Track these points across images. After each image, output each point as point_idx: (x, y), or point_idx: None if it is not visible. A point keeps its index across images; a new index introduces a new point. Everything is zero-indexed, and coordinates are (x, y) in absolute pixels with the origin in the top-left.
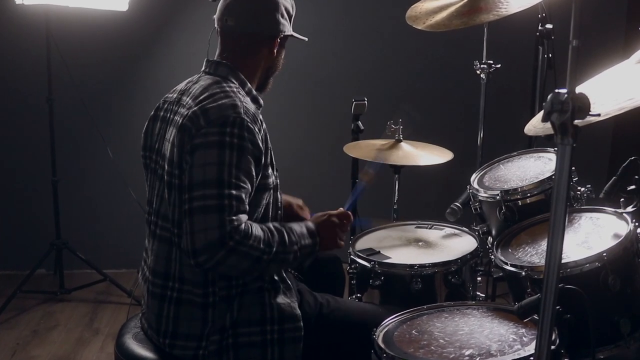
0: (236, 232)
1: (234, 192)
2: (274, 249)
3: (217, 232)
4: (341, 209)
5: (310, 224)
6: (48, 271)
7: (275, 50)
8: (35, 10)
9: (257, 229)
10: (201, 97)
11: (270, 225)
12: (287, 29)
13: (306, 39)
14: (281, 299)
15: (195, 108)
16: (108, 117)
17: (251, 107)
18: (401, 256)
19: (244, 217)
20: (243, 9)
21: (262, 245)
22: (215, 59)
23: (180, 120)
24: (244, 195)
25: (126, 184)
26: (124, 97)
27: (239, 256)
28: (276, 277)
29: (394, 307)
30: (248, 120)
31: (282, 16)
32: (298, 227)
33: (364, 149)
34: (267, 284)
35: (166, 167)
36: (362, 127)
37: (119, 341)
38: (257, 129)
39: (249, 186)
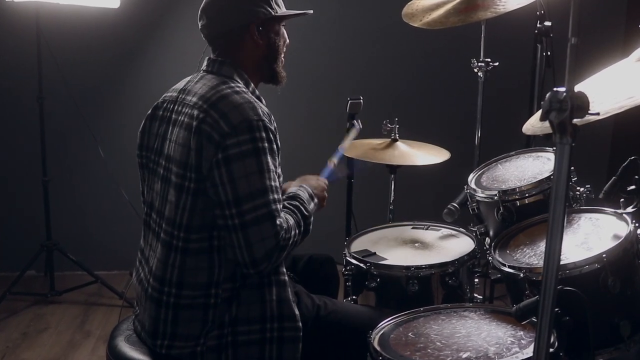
0: (285, 232)
1: (277, 195)
2: (302, 227)
3: (273, 239)
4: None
5: (308, 188)
6: (38, 273)
7: (258, 38)
8: (26, 8)
9: (289, 218)
10: (213, 98)
11: (287, 204)
12: (267, 11)
13: (296, 12)
14: (281, 295)
15: (211, 110)
16: (99, 116)
17: (264, 107)
18: (397, 257)
19: (283, 214)
20: (212, 7)
21: (296, 230)
22: (216, 57)
23: (190, 122)
24: (280, 194)
25: (118, 184)
26: (115, 95)
27: (287, 249)
28: (276, 272)
29: (390, 310)
30: (268, 121)
31: (255, 2)
32: (303, 194)
33: (359, 149)
34: (265, 278)
35: (174, 168)
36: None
37: (110, 344)
38: (275, 129)
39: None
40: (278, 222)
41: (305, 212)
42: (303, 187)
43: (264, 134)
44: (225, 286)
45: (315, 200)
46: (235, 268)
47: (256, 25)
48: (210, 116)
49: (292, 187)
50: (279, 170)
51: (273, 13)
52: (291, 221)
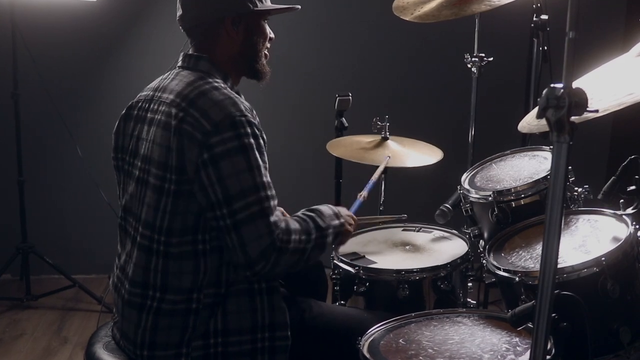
0: (282, 232)
1: (269, 192)
2: (313, 236)
3: (268, 237)
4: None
5: (334, 207)
6: (14, 276)
7: (233, 33)
8: (0, 1)
9: (292, 222)
10: (191, 95)
11: (300, 214)
12: (245, 6)
13: (281, 6)
14: (273, 303)
15: (190, 108)
16: (77, 114)
17: (245, 101)
18: (387, 261)
19: (279, 213)
20: None
21: (303, 236)
22: (192, 52)
23: (169, 120)
24: (273, 191)
25: (97, 184)
26: (94, 92)
27: (288, 253)
28: (267, 278)
29: (380, 312)
30: (251, 116)
31: None
32: (325, 208)
33: (348, 147)
34: (255, 284)
35: (152, 170)
36: (346, 124)
37: (88, 351)
38: (259, 123)
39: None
40: (272, 220)
41: (321, 224)
42: (330, 206)
43: (248, 130)
44: (208, 291)
45: (341, 220)
46: (219, 274)
47: (232, 19)
48: (190, 115)
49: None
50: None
51: (252, 7)
52: (294, 225)
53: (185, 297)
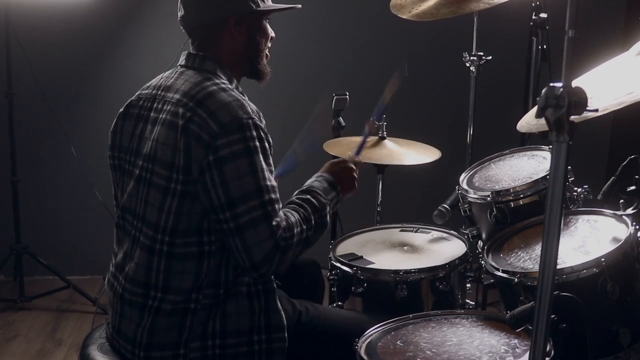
0: (284, 231)
1: (272, 195)
2: (313, 222)
3: (270, 241)
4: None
5: (328, 176)
6: (7, 277)
7: (236, 33)
8: None
9: (290, 215)
10: (199, 96)
11: (295, 199)
12: (248, 6)
13: (282, 6)
14: (270, 304)
15: (198, 108)
16: (72, 113)
17: (252, 104)
18: (385, 261)
19: (281, 214)
20: None
21: (304, 226)
22: (195, 51)
23: (175, 120)
24: (277, 193)
25: (91, 184)
26: (89, 92)
27: (291, 249)
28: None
29: (377, 315)
30: (258, 119)
31: None
32: (318, 184)
33: (345, 147)
34: (252, 287)
35: (156, 169)
36: (343, 124)
37: (83, 353)
38: (265, 126)
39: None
40: (274, 223)
41: (317, 205)
42: (322, 176)
43: (254, 133)
44: (207, 292)
45: (338, 187)
46: (219, 275)
47: (235, 19)
48: (197, 115)
49: (310, 180)
50: (273, 168)
51: (254, 7)
52: (293, 218)
53: (185, 297)
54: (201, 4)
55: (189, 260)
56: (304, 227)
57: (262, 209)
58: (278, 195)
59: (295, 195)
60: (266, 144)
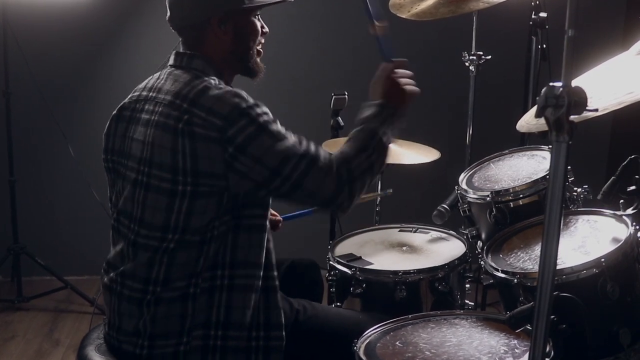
0: (339, 163)
1: (304, 144)
2: (371, 147)
3: (330, 177)
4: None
5: (371, 101)
6: (5, 278)
7: (221, 33)
8: None
9: (344, 148)
10: (190, 95)
11: (349, 135)
12: (232, 4)
13: (264, 1)
14: (270, 302)
15: (193, 109)
16: (70, 113)
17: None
18: (384, 262)
19: (325, 151)
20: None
21: (362, 154)
22: (184, 50)
23: (168, 122)
24: (305, 139)
25: (89, 184)
26: (86, 91)
27: (358, 178)
28: (266, 277)
29: (375, 314)
30: (254, 102)
31: None
32: (367, 112)
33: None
34: (256, 281)
35: (155, 172)
36: (342, 124)
37: (80, 353)
38: (262, 104)
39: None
40: (323, 161)
41: (370, 131)
42: (365, 106)
43: (257, 111)
44: (205, 275)
45: (387, 104)
46: (216, 257)
47: (218, 19)
48: (196, 116)
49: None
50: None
51: (239, 5)
52: (347, 150)
53: (184, 283)
54: (183, 4)
55: (192, 249)
56: (362, 155)
57: (305, 159)
58: (306, 139)
59: (352, 132)
60: (271, 115)
